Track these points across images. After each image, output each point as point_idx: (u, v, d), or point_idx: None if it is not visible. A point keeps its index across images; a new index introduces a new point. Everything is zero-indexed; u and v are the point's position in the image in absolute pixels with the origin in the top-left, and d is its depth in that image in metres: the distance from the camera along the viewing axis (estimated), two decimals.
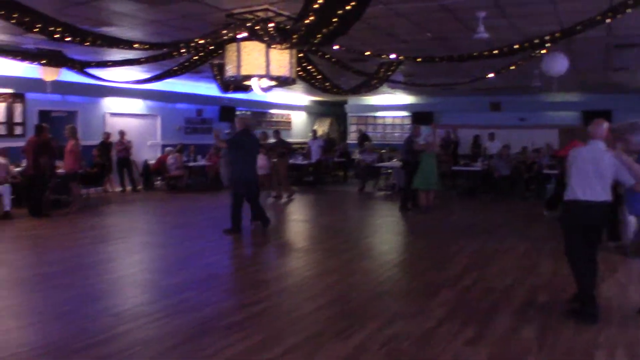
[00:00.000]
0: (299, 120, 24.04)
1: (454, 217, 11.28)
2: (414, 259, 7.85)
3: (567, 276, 5.80)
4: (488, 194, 14.33)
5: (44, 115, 13.83)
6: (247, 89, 9.91)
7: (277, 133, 15.44)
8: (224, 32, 7.65)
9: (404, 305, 5.61)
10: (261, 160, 14.08)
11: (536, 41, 7.22)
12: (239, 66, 7.96)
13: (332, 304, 5.62)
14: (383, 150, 19.06)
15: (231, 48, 8.11)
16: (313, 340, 4.59)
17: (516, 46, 7.39)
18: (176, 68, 9.73)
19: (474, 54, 8.10)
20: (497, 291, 6.03)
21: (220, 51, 8.55)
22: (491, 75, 10.87)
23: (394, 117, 22.63)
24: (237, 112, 19.53)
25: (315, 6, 5.13)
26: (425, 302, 5.65)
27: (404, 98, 21.75)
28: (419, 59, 8.61)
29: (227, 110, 18.80)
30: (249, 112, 18.97)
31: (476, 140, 18.79)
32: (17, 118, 13.40)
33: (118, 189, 15.22)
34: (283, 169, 14.30)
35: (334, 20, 5.48)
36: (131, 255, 8.07)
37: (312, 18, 5.48)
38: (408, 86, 15.37)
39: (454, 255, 7.86)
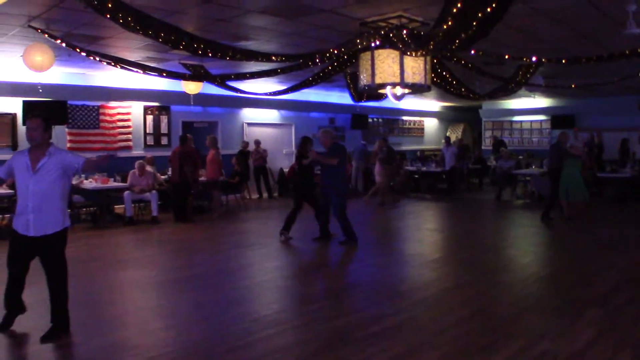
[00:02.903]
0: (431, 126, 23.69)
1: (601, 228, 10.52)
2: (558, 274, 7.37)
3: None
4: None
5: (187, 126, 14.64)
6: (380, 97, 9.87)
7: (384, 140, 14.99)
8: (358, 40, 7.66)
9: (549, 323, 5.25)
10: (377, 168, 14.20)
11: None
12: (372, 75, 7.93)
13: (472, 318, 5.39)
14: (520, 157, 18.26)
15: (365, 57, 8.10)
16: (454, 355, 4.42)
17: None
18: (311, 78, 9.89)
19: (626, 52, 7.51)
20: None
21: (354, 60, 8.57)
22: None
23: (532, 122, 21.64)
24: (369, 120, 19.61)
25: (454, 10, 4.97)
26: (573, 320, 5.25)
27: (543, 101, 20.74)
28: (563, 61, 8.12)
29: (359, 118, 18.91)
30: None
31: (624, 144, 17.48)
32: (163, 129, 14.30)
33: (255, 196, 15.75)
34: (385, 176, 14.26)
35: (473, 23, 5.27)
36: (270, 260, 8.26)
37: (450, 23, 5.32)
38: (548, 88, 14.60)
39: (603, 270, 7.28)
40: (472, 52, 7.66)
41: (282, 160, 17.00)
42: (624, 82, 12.41)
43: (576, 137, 18.60)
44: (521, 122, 21.94)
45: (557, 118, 20.22)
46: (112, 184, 11.71)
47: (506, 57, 8.42)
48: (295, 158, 9.54)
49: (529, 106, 21.15)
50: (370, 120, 19.88)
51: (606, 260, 7.80)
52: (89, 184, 11.46)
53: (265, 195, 15.92)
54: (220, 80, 9.77)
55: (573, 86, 13.32)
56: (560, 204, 11.26)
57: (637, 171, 13.57)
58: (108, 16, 5.44)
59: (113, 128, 13.36)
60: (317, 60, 8.04)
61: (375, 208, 13.78)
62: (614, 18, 7.50)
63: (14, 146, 11.70)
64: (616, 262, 7.66)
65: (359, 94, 10.38)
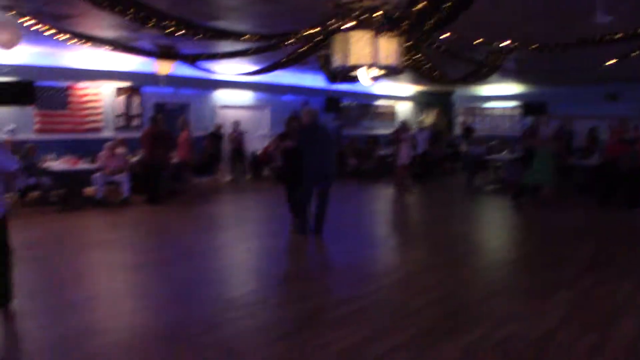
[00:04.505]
0: (404, 111, 23.71)
1: (568, 214, 10.66)
2: (526, 257, 7.46)
3: None
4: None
5: (158, 107, 14.44)
6: (354, 79, 9.82)
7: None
8: (332, 22, 7.59)
9: (517, 305, 5.33)
10: (403, 151, 13.74)
11: None
12: (346, 56, 7.86)
13: (441, 301, 5.43)
14: (492, 142, 18.39)
15: (338, 38, 8.02)
16: (422, 337, 4.44)
17: None
18: (284, 60, 9.80)
19: (595, 39, 7.57)
20: (620, 294, 5.60)
21: (327, 42, 8.50)
22: (612, 62, 10.16)
23: (504, 108, 21.81)
24: (342, 104, 19.57)
25: None
26: (541, 303, 5.32)
27: (515, 88, 20.90)
28: (534, 46, 8.16)
29: (332, 101, 18.85)
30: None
31: (592, 132, 17.69)
32: (134, 110, 14.08)
33: (228, 178, 15.64)
34: None
35: (445, 6, 5.26)
36: (241, 242, 8.23)
37: (423, 4, 5.29)
38: (520, 74, 14.70)
39: (570, 254, 7.37)
40: (446, 35, 7.65)
41: (255, 143, 16.87)
42: (594, 70, 12.54)
43: (546, 125, 18.79)
44: (493, 108, 22.10)
45: (528, 105, 20.38)
46: (81, 165, 11.52)
47: (478, 41, 8.43)
48: (277, 139, 9.01)
49: (500, 92, 21.29)
50: (343, 103, 19.82)
51: (574, 245, 7.92)
52: (58, 165, 11.25)
53: (238, 177, 15.82)
54: (192, 60, 9.64)
55: (545, 72, 13.41)
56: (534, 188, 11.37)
57: (604, 159, 13.68)
58: None
59: (82, 109, 13.10)
60: (291, 41, 7.96)
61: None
62: (585, 5, 7.52)
63: None
64: (583, 247, 7.78)
65: (332, 75, 10.33)
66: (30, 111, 12.12)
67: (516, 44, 8.41)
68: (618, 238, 8.41)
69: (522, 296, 5.67)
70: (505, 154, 15.41)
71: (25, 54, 11.66)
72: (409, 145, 13.67)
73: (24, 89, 11.57)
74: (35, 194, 11.32)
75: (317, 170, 8.31)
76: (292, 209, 8.84)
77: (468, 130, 20.04)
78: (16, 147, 10.81)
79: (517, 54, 10.67)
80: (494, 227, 9.79)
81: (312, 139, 8.41)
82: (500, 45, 8.67)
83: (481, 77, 11.19)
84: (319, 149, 8.38)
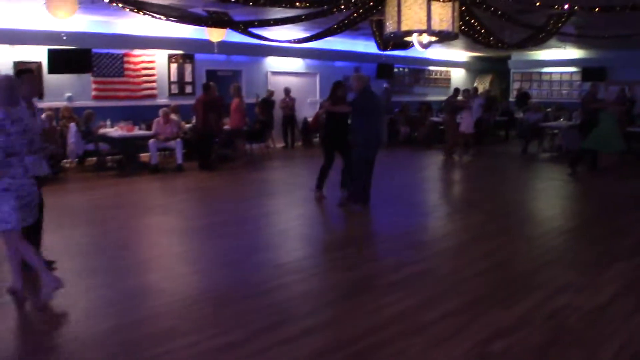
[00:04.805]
0: (458, 77, 23.24)
1: (629, 183, 10.33)
2: (583, 227, 7.29)
3: None
4: None
5: (211, 74, 14.57)
6: (406, 46, 9.68)
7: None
8: None
9: (572, 276, 5.21)
10: (467, 118, 13.56)
11: None
12: (399, 22, 7.73)
13: (494, 269, 5.37)
14: (549, 109, 17.87)
15: (391, 3, 7.89)
16: (473, 305, 4.41)
17: None
18: (336, 26, 9.71)
19: None
20: None
21: (379, 7, 8.38)
22: None
23: (562, 74, 21.12)
24: (395, 70, 19.32)
25: None
26: (597, 274, 5.20)
27: (573, 52, 20.16)
28: (596, 9, 7.85)
29: (384, 68, 18.64)
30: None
31: None
32: (187, 78, 14.26)
33: (280, 145, 15.73)
34: None
35: None
36: (292, 209, 8.31)
37: None
38: (580, 39, 14.16)
39: (630, 225, 7.17)
40: None
41: (307, 109, 16.88)
42: None
43: (606, 90, 18.12)
44: (551, 73, 21.43)
45: (587, 70, 19.69)
46: (137, 132, 11.76)
47: (537, 4, 8.16)
48: (326, 103, 8.77)
49: (558, 57, 20.58)
50: (395, 70, 19.58)
51: (632, 215, 7.69)
52: (115, 132, 11.52)
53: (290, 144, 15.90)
54: (244, 27, 9.64)
55: (606, 37, 12.88)
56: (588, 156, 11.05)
57: None
58: None
59: (137, 76, 13.33)
60: (342, 7, 7.88)
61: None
62: None
63: (39, 95, 11.75)
64: None
65: (384, 42, 10.19)
66: (87, 78, 12.42)
67: (576, 7, 8.09)
68: None
69: (578, 266, 5.55)
70: (562, 121, 15.00)
71: (82, 22, 11.90)
72: (471, 113, 13.49)
73: (82, 56, 11.86)
74: (93, 159, 11.65)
75: (368, 138, 7.99)
76: (321, 177, 8.62)
77: (524, 96, 19.54)
78: (74, 113, 11.15)
79: (576, 18, 10.29)
80: (550, 196, 9.57)
81: (362, 105, 8.07)
82: (560, 9, 8.36)
83: (538, 42, 10.85)
84: (369, 116, 8.04)
